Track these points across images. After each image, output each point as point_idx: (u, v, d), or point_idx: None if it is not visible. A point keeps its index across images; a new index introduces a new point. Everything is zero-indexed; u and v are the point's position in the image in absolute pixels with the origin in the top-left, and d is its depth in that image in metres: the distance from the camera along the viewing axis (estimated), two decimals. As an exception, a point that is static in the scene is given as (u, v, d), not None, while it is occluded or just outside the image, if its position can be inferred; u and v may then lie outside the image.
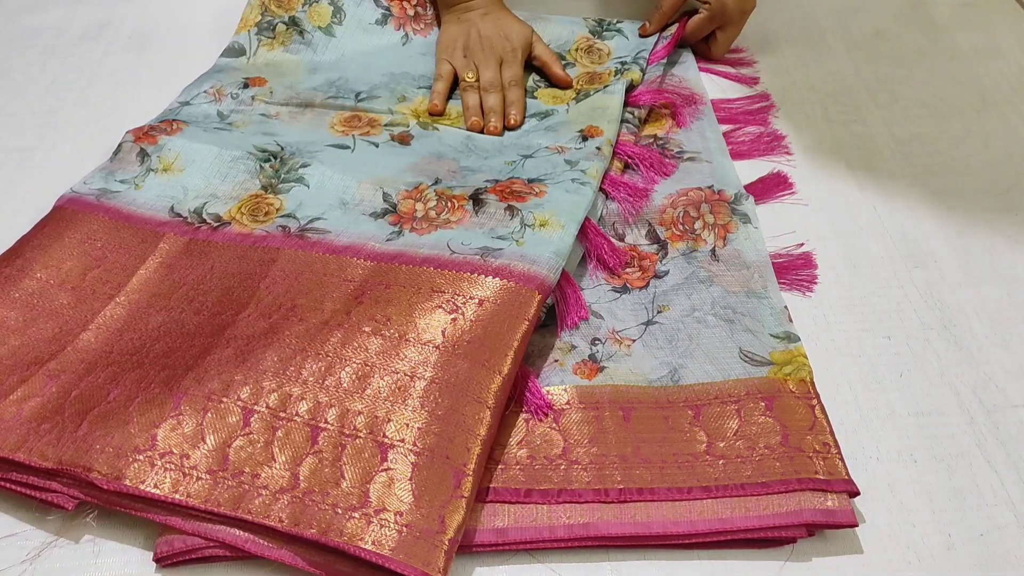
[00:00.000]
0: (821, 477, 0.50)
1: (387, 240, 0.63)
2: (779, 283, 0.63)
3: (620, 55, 0.85)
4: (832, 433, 0.52)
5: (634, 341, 0.59)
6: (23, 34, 0.93)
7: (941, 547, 0.49)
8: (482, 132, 0.76)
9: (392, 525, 0.46)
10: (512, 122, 0.76)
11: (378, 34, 0.88)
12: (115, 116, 0.82)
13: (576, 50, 0.86)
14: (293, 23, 0.86)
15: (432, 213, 0.65)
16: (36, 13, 0.96)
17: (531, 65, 0.84)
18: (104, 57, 0.90)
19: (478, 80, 0.79)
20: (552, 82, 0.82)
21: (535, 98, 0.81)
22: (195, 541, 0.47)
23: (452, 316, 0.55)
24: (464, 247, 0.61)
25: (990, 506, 0.51)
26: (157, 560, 0.48)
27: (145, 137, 0.72)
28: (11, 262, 0.62)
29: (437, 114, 0.78)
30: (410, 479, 0.47)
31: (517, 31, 0.82)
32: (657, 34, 0.87)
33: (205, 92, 0.80)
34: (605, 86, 0.80)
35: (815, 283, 0.65)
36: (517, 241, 0.61)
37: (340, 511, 0.46)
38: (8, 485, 0.50)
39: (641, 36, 0.87)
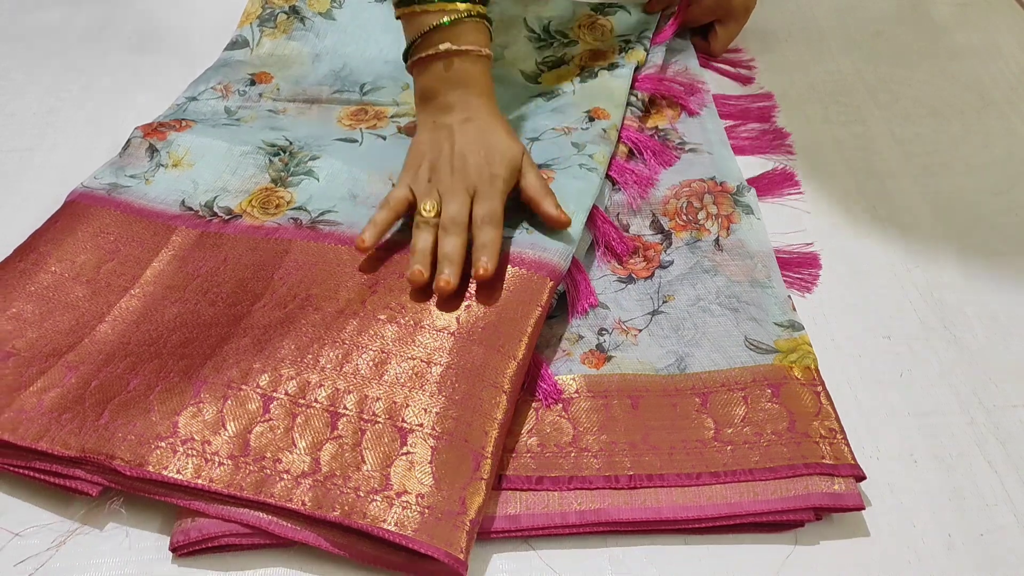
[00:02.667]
0: (828, 462, 0.50)
1: (399, 231, 0.64)
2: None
3: (623, 31, 0.85)
4: (838, 419, 0.53)
5: (640, 331, 0.60)
6: (23, 34, 0.93)
7: (941, 547, 0.49)
8: (426, 287, 0.57)
9: (414, 507, 0.46)
10: (481, 272, 0.56)
11: (378, 10, 0.88)
12: (115, 116, 0.82)
13: (579, 27, 0.86)
14: (294, 12, 0.87)
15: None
16: (36, 13, 0.96)
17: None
18: (104, 57, 0.90)
19: (439, 215, 0.60)
20: (542, 220, 0.62)
21: (539, 83, 0.81)
22: (210, 530, 0.48)
23: (466, 303, 0.56)
24: None
25: (990, 506, 0.51)
26: (173, 549, 0.48)
27: (154, 133, 0.73)
28: (25, 256, 0.62)
29: (362, 250, 0.59)
30: (430, 462, 0.48)
31: (504, 150, 0.62)
32: (659, 12, 0.86)
33: (212, 88, 0.80)
34: (611, 64, 0.79)
35: (815, 282, 0.65)
36: (527, 230, 0.61)
37: (362, 494, 0.47)
38: (31, 473, 0.51)
39: (645, 12, 0.86)
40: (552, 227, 0.61)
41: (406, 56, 0.65)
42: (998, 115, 0.81)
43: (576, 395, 0.55)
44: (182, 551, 0.49)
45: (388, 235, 0.62)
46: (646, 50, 0.82)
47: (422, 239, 0.59)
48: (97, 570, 0.49)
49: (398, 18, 0.65)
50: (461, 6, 0.62)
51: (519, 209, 0.63)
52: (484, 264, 0.57)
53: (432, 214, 0.59)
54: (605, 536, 0.50)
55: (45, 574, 0.49)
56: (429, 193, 0.60)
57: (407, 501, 0.47)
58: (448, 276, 0.56)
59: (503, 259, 0.58)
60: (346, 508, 0.47)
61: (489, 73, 0.65)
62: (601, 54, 0.82)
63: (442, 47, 0.62)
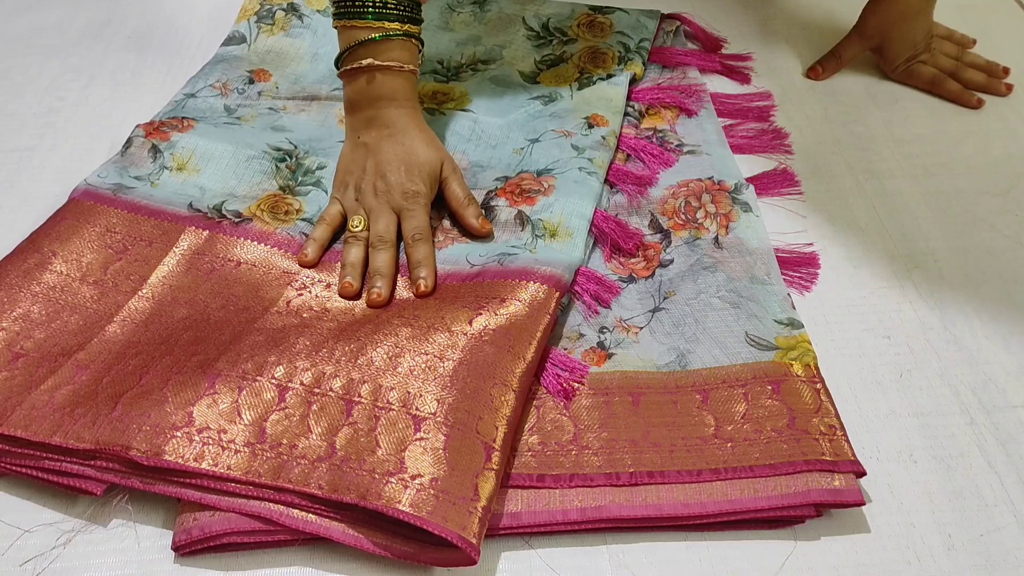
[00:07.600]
0: (828, 458, 0.51)
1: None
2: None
3: (622, 28, 0.85)
4: (837, 416, 0.53)
5: (641, 328, 0.60)
6: (23, 34, 0.93)
7: (941, 547, 0.49)
8: (356, 298, 0.61)
9: (428, 490, 0.47)
10: (423, 288, 0.60)
11: None
12: (115, 116, 0.82)
13: (577, 25, 0.87)
14: (292, 9, 0.87)
15: (447, 224, 0.67)
16: (36, 13, 0.96)
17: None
18: (104, 57, 0.90)
19: (367, 230, 0.64)
20: (462, 227, 0.66)
21: (537, 83, 0.81)
22: (212, 528, 0.48)
23: (478, 312, 0.57)
24: (482, 258, 0.63)
25: (990, 506, 0.51)
26: (175, 548, 0.49)
27: (156, 133, 0.73)
28: (29, 256, 0.62)
29: (307, 266, 0.63)
30: (444, 449, 0.49)
31: (422, 163, 0.65)
32: (659, 20, 0.87)
33: (211, 86, 0.80)
34: (609, 75, 0.80)
35: (814, 282, 0.65)
36: (531, 250, 0.63)
37: (377, 475, 0.48)
38: (37, 474, 0.51)
39: (810, 78, 0.85)
40: (475, 235, 0.65)
41: (336, 66, 0.69)
42: (998, 115, 0.81)
43: (577, 392, 0.56)
44: (184, 550, 0.49)
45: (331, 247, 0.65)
46: (644, 62, 0.82)
47: (352, 253, 0.63)
48: (99, 570, 0.49)
49: (335, 27, 0.68)
50: (391, 25, 0.65)
51: (516, 229, 0.65)
52: (423, 280, 0.61)
53: (360, 229, 0.64)
54: (604, 535, 0.50)
55: (50, 574, 0.49)
56: (356, 210, 0.65)
57: (421, 484, 0.47)
58: (380, 288, 0.60)
59: (511, 275, 0.60)
60: (361, 490, 0.47)
61: (413, 87, 0.68)
62: (600, 57, 0.82)
63: (365, 62, 0.66)
